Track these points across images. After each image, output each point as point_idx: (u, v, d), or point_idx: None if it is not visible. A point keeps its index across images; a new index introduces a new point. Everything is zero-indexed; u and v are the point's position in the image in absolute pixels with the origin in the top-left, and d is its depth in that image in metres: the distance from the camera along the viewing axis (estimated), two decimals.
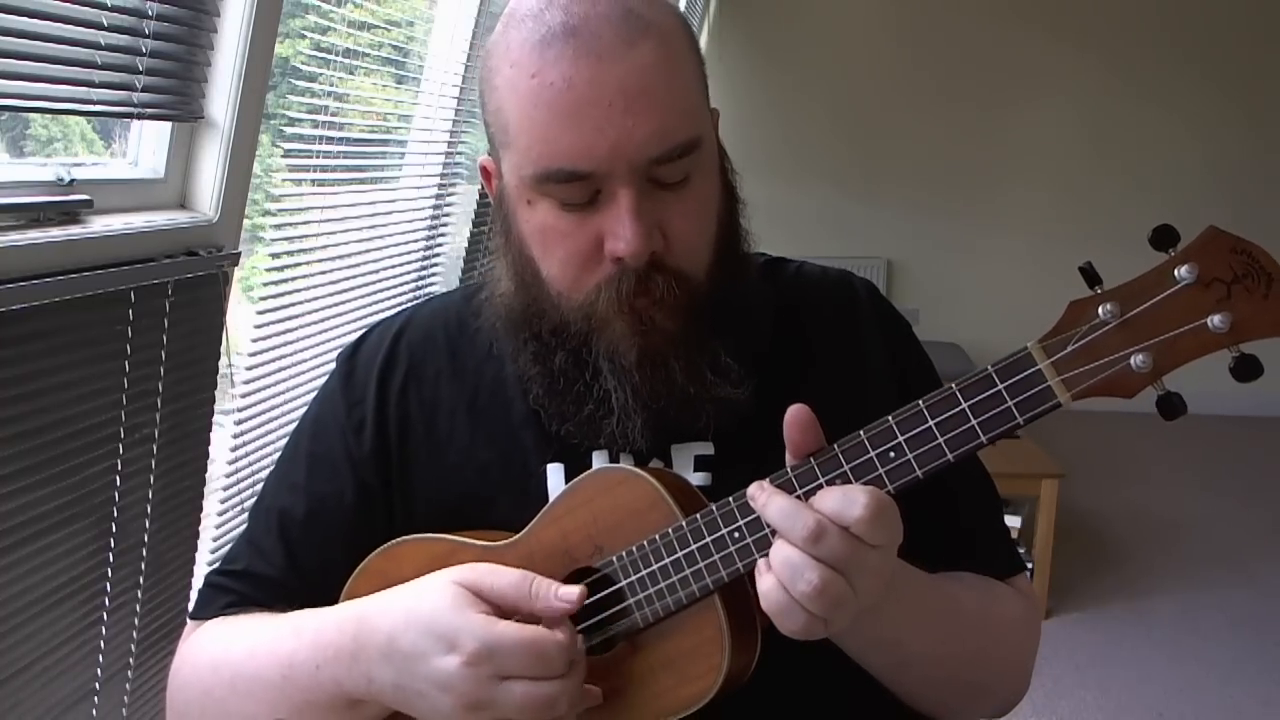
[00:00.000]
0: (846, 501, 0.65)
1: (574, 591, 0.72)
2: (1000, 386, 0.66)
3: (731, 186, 0.84)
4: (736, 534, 0.70)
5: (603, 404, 0.78)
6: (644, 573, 0.73)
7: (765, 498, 0.68)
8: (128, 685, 1.52)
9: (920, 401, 0.67)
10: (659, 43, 0.73)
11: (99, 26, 1.21)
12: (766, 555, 0.67)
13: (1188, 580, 3.39)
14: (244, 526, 0.93)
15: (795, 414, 0.69)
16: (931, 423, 0.67)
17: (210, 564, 1.66)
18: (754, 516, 0.69)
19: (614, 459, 0.82)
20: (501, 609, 0.71)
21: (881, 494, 0.66)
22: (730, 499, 0.71)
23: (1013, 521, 3.05)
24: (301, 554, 0.86)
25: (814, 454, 0.69)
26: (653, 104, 0.72)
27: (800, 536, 0.64)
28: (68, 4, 1.15)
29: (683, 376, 0.77)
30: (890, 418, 0.68)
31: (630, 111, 0.72)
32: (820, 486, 0.68)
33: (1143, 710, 2.69)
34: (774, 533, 0.67)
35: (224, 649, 0.83)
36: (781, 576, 0.65)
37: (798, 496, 0.68)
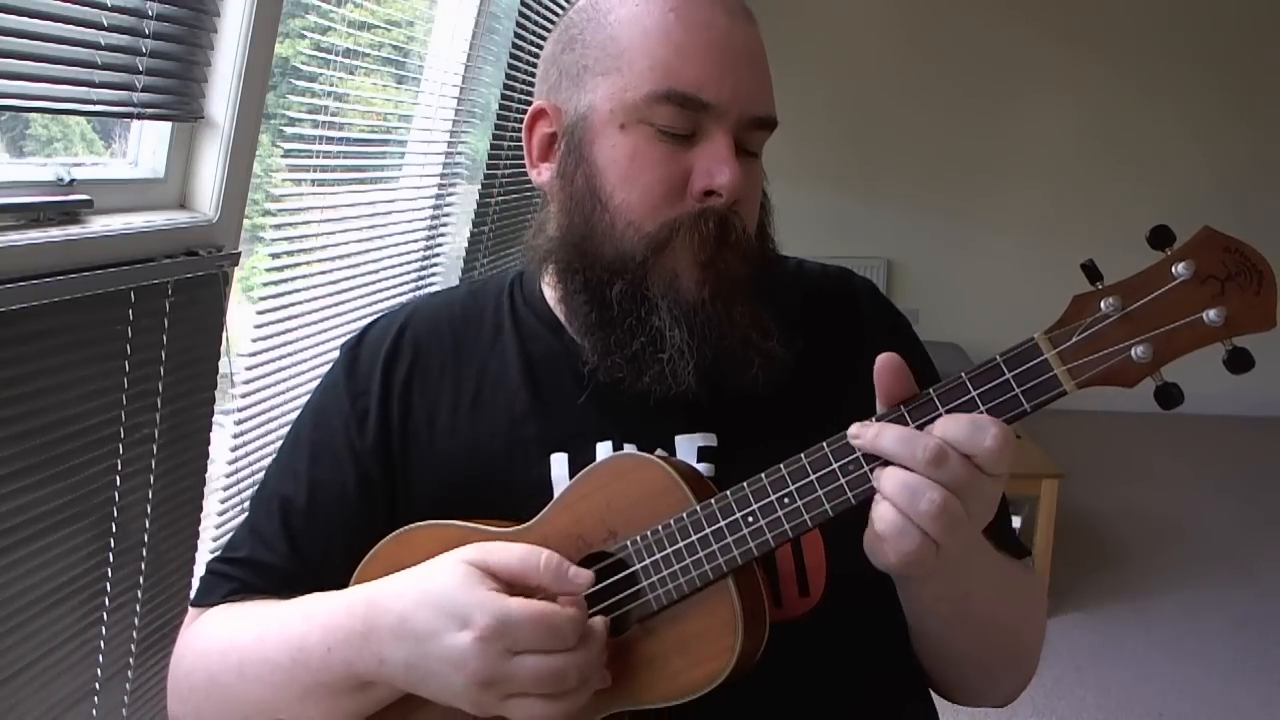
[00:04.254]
0: (975, 428, 0.65)
1: (586, 575, 0.72)
2: (1008, 375, 0.67)
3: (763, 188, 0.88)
4: (750, 518, 0.72)
5: (654, 341, 0.79)
6: (659, 556, 0.74)
7: (875, 430, 0.68)
8: (128, 685, 1.52)
9: (931, 390, 0.68)
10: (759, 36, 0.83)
11: (99, 26, 1.21)
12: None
13: (1188, 580, 3.39)
14: (245, 514, 0.93)
15: (887, 360, 0.69)
16: (941, 410, 0.68)
17: None
18: (767, 501, 0.71)
19: (660, 393, 0.80)
20: (511, 584, 0.72)
21: (1007, 427, 0.66)
22: (745, 484, 0.72)
23: (1012, 521, 3.04)
24: (304, 542, 0.87)
25: (904, 402, 0.70)
26: (765, 75, 0.82)
27: (922, 460, 0.65)
28: (68, 4, 1.15)
29: (745, 320, 0.80)
30: (903, 406, 0.69)
31: (752, 70, 0.80)
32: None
33: (1143, 710, 2.69)
34: (882, 463, 0.67)
35: (231, 635, 0.83)
36: (899, 499, 0.65)
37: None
